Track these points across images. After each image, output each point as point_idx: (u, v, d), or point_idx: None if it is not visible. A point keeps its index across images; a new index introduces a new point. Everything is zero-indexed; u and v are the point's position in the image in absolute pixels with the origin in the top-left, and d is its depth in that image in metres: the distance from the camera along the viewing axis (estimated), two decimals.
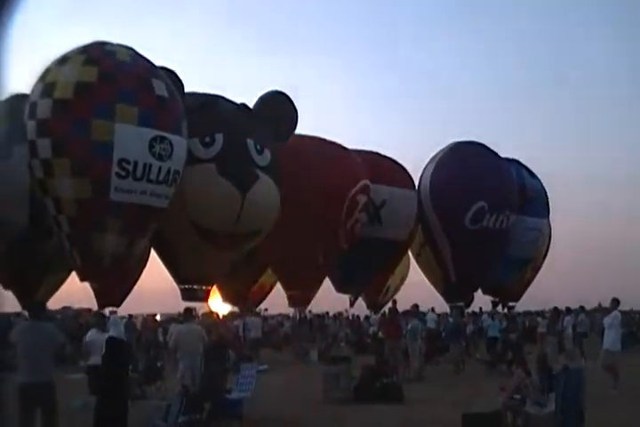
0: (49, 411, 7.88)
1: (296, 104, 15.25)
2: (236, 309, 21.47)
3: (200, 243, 13.94)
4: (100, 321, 12.58)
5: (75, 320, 29.25)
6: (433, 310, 23.78)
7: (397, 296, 22.67)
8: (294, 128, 15.36)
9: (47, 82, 11.86)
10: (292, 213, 14.85)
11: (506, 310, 23.60)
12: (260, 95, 14.99)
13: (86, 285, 13.89)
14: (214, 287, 16.48)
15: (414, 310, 18.96)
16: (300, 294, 17.81)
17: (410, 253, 21.34)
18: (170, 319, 23.15)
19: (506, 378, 11.39)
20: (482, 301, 23.02)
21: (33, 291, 14.56)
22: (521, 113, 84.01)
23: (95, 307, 18.37)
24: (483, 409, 9.35)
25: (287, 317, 27.00)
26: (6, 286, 14.28)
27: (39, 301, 8.50)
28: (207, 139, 13.54)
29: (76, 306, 34.40)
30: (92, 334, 11.72)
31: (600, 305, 30.28)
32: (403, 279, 23.22)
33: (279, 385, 14.86)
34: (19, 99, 13.29)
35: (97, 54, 12.21)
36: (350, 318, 30.94)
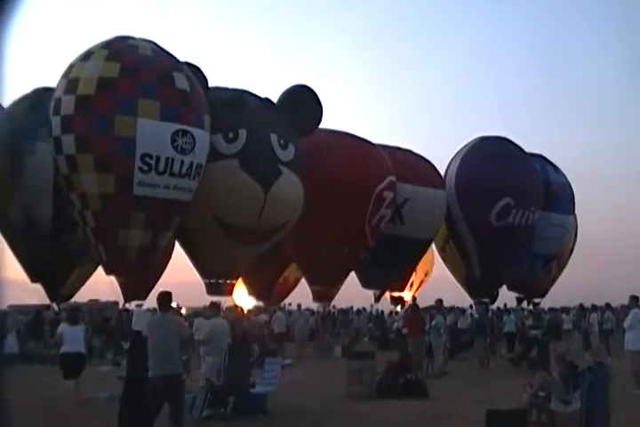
0: (177, 402, 7.93)
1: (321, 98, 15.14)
2: (260, 303, 21.53)
3: (223, 238, 13.97)
4: (70, 315, 13.68)
5: (101, 313, 29.57)
6: (472, 306, 23.48)
7: (421, 291, 22.66)
8: (319, 122, 15.29)
9: (70, 78, 11.95)
10: (316, 208, 14.83)
11: (531, 307, 23.44)
12: (285, 89, 14.96)
13: (112, 278, 13.99)
14: (239, 281, 16.54)
15: (438, 306, 18.90)
16: (325, 289, 17.79)
17: (434, 248, 21.22)
18: (194, 313, 23.25)
19: (530, 375, 11.31)
20: (507, 297, 22.90)
21: (60, 285, 14.75)
22: (547, 108, 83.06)
23: (121, 300, 18.56)
24: (507, 406, 9.28)
25: (311, 312, 26.97)
26: (34, 280, 14.47)
27: (165, 292, 8.46)
28: (231, 134, 13.54)
29: (103, 299, 34.71)
30: (62, 327, 13.08)
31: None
32: (427, 274, 23.14)
33: (303, 380, 14.89)
34: (42, 93, 13.44)
35: (119, 49, 12.26)
36: (374, 313, 30.89)
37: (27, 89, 14.40)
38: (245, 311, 21.16)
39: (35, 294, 15.40)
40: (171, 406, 7.92)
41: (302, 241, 16.08)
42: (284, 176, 13.91)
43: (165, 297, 8.57)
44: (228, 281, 15.16)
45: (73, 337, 13.06)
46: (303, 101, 14.73)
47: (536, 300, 23.37)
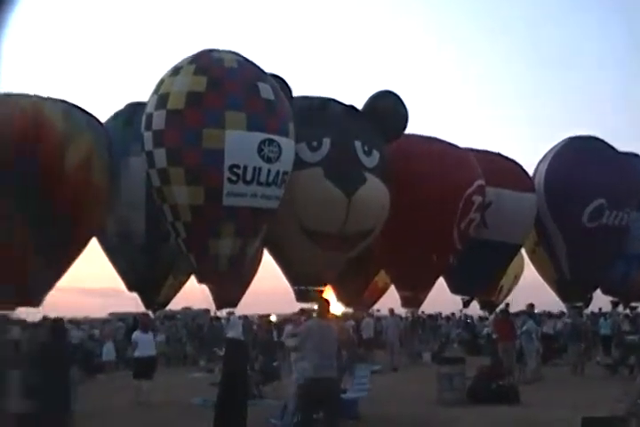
0: (332, 406, 8.16)
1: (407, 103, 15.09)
2: (349, 309, 21.61)
3: (309, 244, 14.13)
4: (142, 323, 15.83)
5: (194, 321, 30.29)
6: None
7: (511, 296, 22.25)
8: (405, 128, 15.25)
9: (161, 93, 12.35)
10: (405, 213, 14.81)
11: (627, 311, 22.68)
12: (370, 95, 15.01)
13: (204, 287, 14.37)
14: (328, 288, 16.67)
15: (529, 310, 18.57)
16: (413, 294, 17.72)
17: (523, 252, 20.84)
18: (284, 320, 23.57)
19: (629, 382, 10.99)
20: (602, 301, 22.23)
21: (156, 293, 15.25)
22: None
23: (213, 308, 19.01)
24: (603, 414, 9.05)
25: (400, 317, 26.90)
26: (131, 289, 15.02)
27: (324, 299, 8.79)
28: (314, 143, 13.69)
29: (196, 307, 35.59)
30: (135, 334, 15.15)
31: None
32: (517, 278, 22.71)
33: (393, 386, 14.91)
34: (134, 108, 13.96)
35: (205, 63, 12.57)
36: (463, 318, 30.55)
37: (121, 104, 15.01)
38: (335, 318, 21.28)
39: (132, 303, 16.01)
40: (325, 411, 8.05)
41: (390, 246, 16.08)
42: (369, 182, 13.96)
43: (324, 304, 8.81)
44: (317, 288, 15.31)
45: (145, 343, 14.51)
46: (388, 107, 14.69)
47: (633, 304, 22.60)
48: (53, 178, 12.02)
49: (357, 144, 14.08)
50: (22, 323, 19.87)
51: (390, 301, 20.41)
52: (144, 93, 12.84)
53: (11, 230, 12.08)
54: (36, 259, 12.34)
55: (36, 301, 13.24)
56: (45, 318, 19.57)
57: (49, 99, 12.76)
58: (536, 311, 25.06)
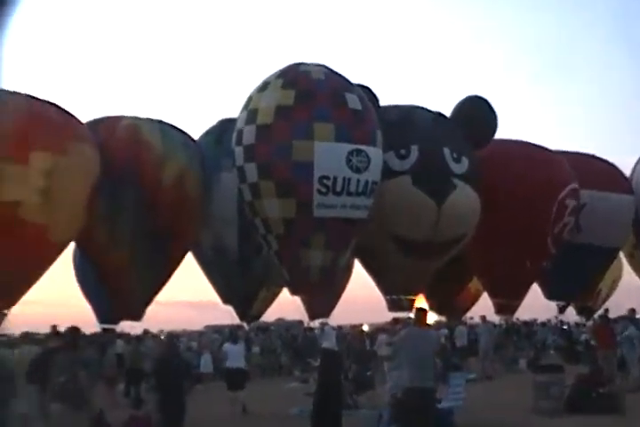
0: (427, 416, 8.25)
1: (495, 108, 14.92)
2: (442, 317, 21.42)
3: (400, 253, 14.12)
4: (232, 335, 16.62)
5: (288, 332, 30.61)
6: None
7: (610, 301, 21.58)
8: (494, 133, 15.07)
9: (250, 109, 12.63)
10: (496, 218, 14.63)
11: None
12: (458, 101, 14.92)
13: (296, 298, 14.54)
14: (420, 297, 16.59)
15: (630, 315, 17.97)
16: (507, 301, 17.44)
17: (622, 255, 20.19)
18: (377, 329, 23.54)
19: None
20: None
21: (249, 305, 15.53)
22: None
23: (306, 318, 19.19)
24: None
25: (493, 325, 26.46)
26: (226, 302, 15.35)
27: (421, 308, 8.88)
28: (403, 151, 13.71)
29: (289, 318, 35.95)
30: (226, 345, 15.84)
31: None
32: (615, 283, 22.01)
33: (488, 394, 14.69)
34: (225, 125, 14.32)
35: (293, 77, 12.79)
36: (559, 324, 29.81)
37: (213, 121, 15.43)
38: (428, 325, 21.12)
39: (227, 315, 16.35)
40: (420, 421, 8.06)
41: (482, 253, 15.89)
42: (459, 189, 13.87)
43: (422, 312, 8.85)
44: (409, 297, 15.27)
45: (235, 354, 14.85)
46: (477, 112, 14.56)
47: None
48: (152, 195, 12.49)
49: (446, 151, 14.01)
50: (125, 336, 20.61)
51: (483, 308, 20.13)
52: (235, 109, 13.18)
53: (113, 246, 12.60)
54: (137, 273, 12.81)
55: (137, 314, 13.71)
56: (146, 332, 20.22)
57: (146, 119, 13.28)
58: (638, 317, 24.26)
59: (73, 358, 8.13)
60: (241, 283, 14.81)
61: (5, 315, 11.38)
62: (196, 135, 14.43)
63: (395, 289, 14.97)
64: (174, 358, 10.40)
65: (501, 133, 15.67)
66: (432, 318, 21.13)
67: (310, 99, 12.42)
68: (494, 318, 21.91)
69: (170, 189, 12.72)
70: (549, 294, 18.94)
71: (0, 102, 10.74)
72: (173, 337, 12.44)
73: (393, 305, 15.09)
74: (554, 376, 12.59)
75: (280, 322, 36.59)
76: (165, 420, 8.61)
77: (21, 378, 11.63)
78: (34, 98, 11.48)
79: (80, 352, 8.56)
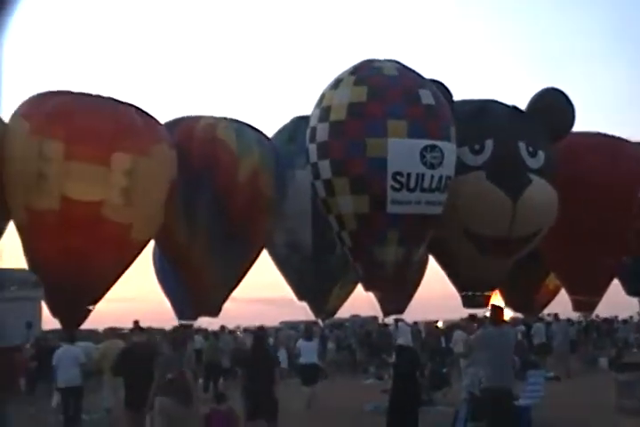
0: (503, 417, 8.25)
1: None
2: (519, 314, 21.11)
3: (474, 249, 14.00)
4: (306, 332, 16.41)
5: (362, 328, 30.67)
6: None
7: None
8: (572, 126, 14.74)
9: (323, 106, 12.73)
10: (574, 213, 14.34)
11: None
12: (534, 94, 14.66)
13: (371, 294, 14.58)
14: (496, 293, 16.41)
15: None
16: (586, 298, 17.09)
17: None
18: (452, 326, 23.37)
19: None
20: None
21: (324, 302, 15.65)
22: None
23: (380, 315, 19.22)
24: None
25: (572, 322, 25.92)
26: (301, 298, 15.51)
27: (497, 306, 8.97)
28: (477, 146, 13.58)
29: (363, 315, 36.02)
30: (300, 342, 15.76)
31: None
32: None
33: (567, 393, 14.43)
34: (298, 123, 14.48)
35: (365, 73, 12.82)
36: None
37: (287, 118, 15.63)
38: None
39: (302, 312, 16.50)
40: (497, 420, 7.99)
41: (559, 248, 15.61)
42: (534, 184, 13.65)
43: (497, 310, 8.79)
44: (484, 293, 15.12)
45: (308, 350, 15.05)
46: (553, 105, 14.27)
47: None
48: (227, 193, 12.74)
49: (521, 145, 13.81)
50: (203, 332, 21.03)
51: (562, 304, 19.75)
52: (309, 107, 13.32)
53: (191, 244, 12.90)
54: (214, 271, 13.08)
55: (214, 311, 14.00)
56: (223, 328, 20.59)
57: (222, 119, 13.55)
58: None
59: (177, 356, 8.42)
60: (315, 279, 14.95)
61: (90, 311, 11.80)
62: (270, 133, 14.63)
63: (470, 285, 14.85)
64: (264, 350, 10.58)
65: (579, 126, 15.38)
66: (508, 314, 20.87)
67: (383, 95, 12.43)
68: (572, 315, 21.51)
69: (245, 188, 12.95)
70: (630, 290, 18.49)
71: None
72: (263, 330, 12.62)
73: (468, 301, 14.97)
74: (637, 375, 12.26)
75: (355, 318, 36.68)
76: (255, 412, 8.78)
77: (108, 372, 12.08)
78: (115, 100, 11.86)
79: (184, 350, 8.84)
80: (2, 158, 11.09)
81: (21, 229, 11.36)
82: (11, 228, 11.60)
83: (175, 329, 9.08)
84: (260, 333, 11.67)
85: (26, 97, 11.48)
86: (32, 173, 10.80)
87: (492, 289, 15.51)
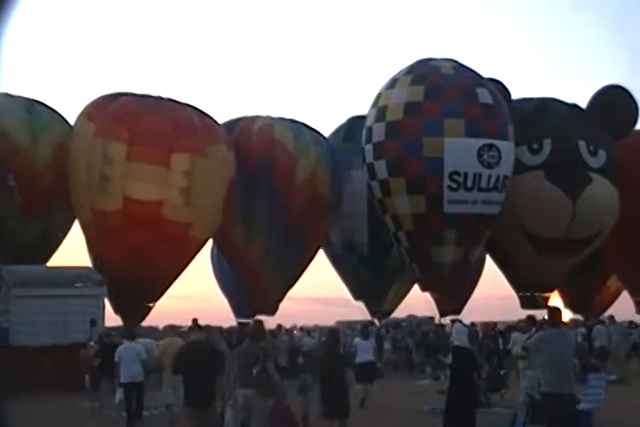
0: (562, 424, 8.19)
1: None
2: (579, 316, 20.76)
3: (533, 250, 13.85)
4: (362, 331, 15.46)
5: (418, 328, 30.48)
6: None
7: None
8: (635, 123, 14.41)
9: (379, 106, 12.78)
10: (637, 213, 14.07)
11: None
12: (595, 92, 14.39)
13: (427, 294, 14.55)
14: (554, 294, 16.19)
15: None
16: None
17: None
18: (510, 327, 23.06)
19: None
20: None
21: (380, 302, 15.67)
22: None
23: (437, 315, 19.11)
24: None
25: (635, 324, 25.30)
26: (357, 298, 15.56)
27: (553, 307, 8.96)
28: (535, 145, 13.44)
29: (420, 315, 35.77)
30: (356, 340, 14.84)
31: None
32: None
33: (630, 398, 14.12)
34: (354, 122, 14.53)
35: (422, 72, 12.83)
36: None
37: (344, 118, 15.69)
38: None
39: (358, 311, 16.54)
40: (554, 426, 7.90)
41: (622, 249, 15.30)
42: (595, 183, 13.43)
43: (555, 311, 8.72)
44: (543, 294, 14.94)
45: (365, 349, 14.98)
46: (615, 102, 14.01)
47: None
48: (284, 193, 12.90)
49: (581, 144, 13.60)
50: None
51: (624, 307, 19.36)
52: (365, 107, 13.37)
53: (249, 244, 13.08)
54: (272, 270, 13.24)
55: (271, 309, 14.16)
56: (280, 326, 20.76)
57: (279, 119, 13.70)
58: None
59: (257, 350, 8.57)
60: (371, 279, 14.98)
61: (151, 308, 12.07)
62: (326, 133, 14.72)
63: (528, 286, 14.69)
64: (338, 349, 10.68)
65: None
66: (567, 316, 20.51)
67: (440, 94, 12.43)
68: (635, 317, 21.01)
69: (302, 187, 13.08)
70: None
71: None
72: (336, 328, 12.72)
73: (526, 302, 14.82)
74: None
75: (411, 318, 36.45)
76: (328, 409, 8.84)
77: (168, 369, 12.29)
78: (174, 101, 12.10)
79: (262, 344, 8.99)
80: (68, 159, 11.43)
81: (86, 229, 11.69)
82: (75, 227, 11.94)
83: (254, 324, 9.22)
84: (335, 333, 11.75)
85: (90, 99, 11.81)
86: (96, 174, 11.12)
87: (551, 290, 15.32)
